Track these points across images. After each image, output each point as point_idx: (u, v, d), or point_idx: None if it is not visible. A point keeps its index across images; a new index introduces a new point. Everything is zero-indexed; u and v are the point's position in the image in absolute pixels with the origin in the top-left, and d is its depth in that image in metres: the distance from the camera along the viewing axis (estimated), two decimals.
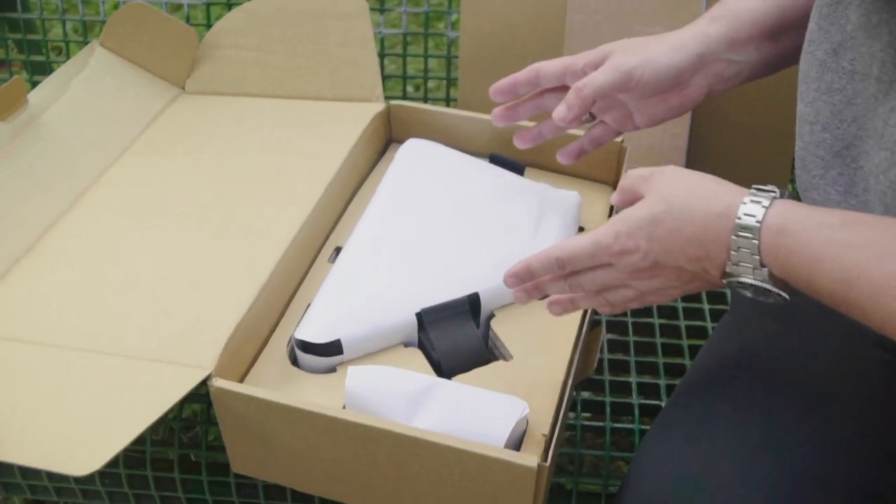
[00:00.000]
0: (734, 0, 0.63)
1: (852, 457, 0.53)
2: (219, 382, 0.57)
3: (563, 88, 0.65)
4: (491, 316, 0.67)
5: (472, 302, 0.66)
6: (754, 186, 0.49)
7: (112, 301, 0.65)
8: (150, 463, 0.75)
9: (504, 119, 0.70)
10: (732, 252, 0.48)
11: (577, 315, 0.66)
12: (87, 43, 0.91)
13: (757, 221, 0.47)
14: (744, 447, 0.53)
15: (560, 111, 0.62)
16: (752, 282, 0.48)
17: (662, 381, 0.74)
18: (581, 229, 0.75)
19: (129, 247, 0.71)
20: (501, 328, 0.66)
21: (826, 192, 0.57)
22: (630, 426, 0.70)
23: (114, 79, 0.88)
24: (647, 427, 0.69)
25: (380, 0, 0.98)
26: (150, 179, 0.79)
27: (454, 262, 0.68)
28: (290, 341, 0.65)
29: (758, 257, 0.47)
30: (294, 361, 0.64)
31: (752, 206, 0.47)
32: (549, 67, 0.65)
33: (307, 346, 0.62)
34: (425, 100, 1.01)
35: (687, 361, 0.76)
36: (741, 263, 0.48)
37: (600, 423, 0.71)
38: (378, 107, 0.83)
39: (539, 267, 0.55)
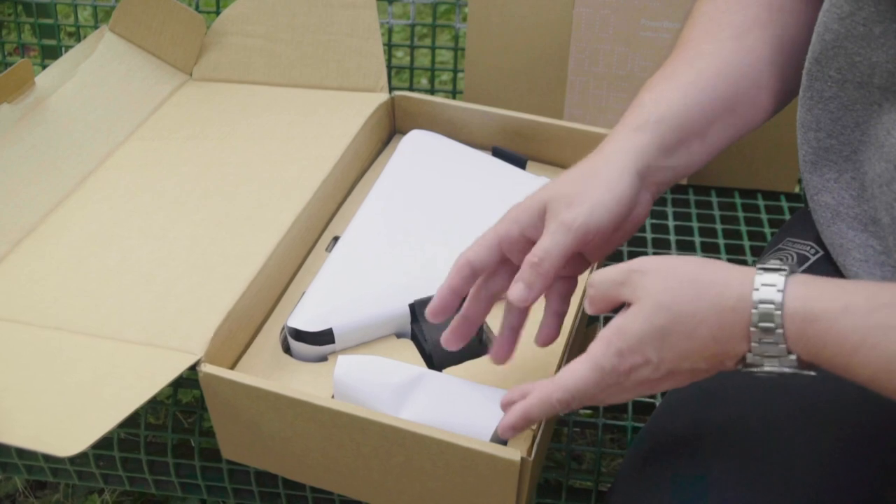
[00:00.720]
0: (651, 103, 0.57)
1: (851, 463, 0.52)
2: (208, 368, 0.57)
3: (504, 263, 0.56)
4: None
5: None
6: (759, 266, 0.45)
7: (108, 285, 0.66)
8: (145, 446, 0.75)
9: (459, 341, 0.57)
10: (754, 344, 0.44)
11: (572, 311, 0.65)
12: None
13: (777, 309, 0.43)
14: (737, 452, 0.52)
15: (518, 293, 0.52)
16: (778, 369, 0.45)
17: None
18: None
19: (128, 231, 0.71)
20: (495, 322, 0.66)
21: (840, 196, 0.56)
22: (623, 423, 0.70)
23: (122, 64, 0.89)
24: (641, 425, 0.69)
25: None
26: (153, 164, 0.79)
27: (450, 254, 0.68)
28: (283, 329, 0.65)
29: (784, 346, 0.44)
30: (287, 349, 0.64)
31: (766, 291, 0.44)
32: (479, 252, 0.56)
33: (299, 335, 0.62)
34: (432, 91, 1.01)
35: None
36: (765, 354, 0.45)
37: (593, 420, 0.71)
38: (382, 97, 0.83)
39: (540, 414, 0.49)
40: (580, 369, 0.48)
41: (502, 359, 0.58)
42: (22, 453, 0.79)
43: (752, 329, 0.44)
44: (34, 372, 0.58)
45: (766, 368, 0.45)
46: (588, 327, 0.71)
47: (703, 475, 0.51)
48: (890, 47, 0.51)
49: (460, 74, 1.00)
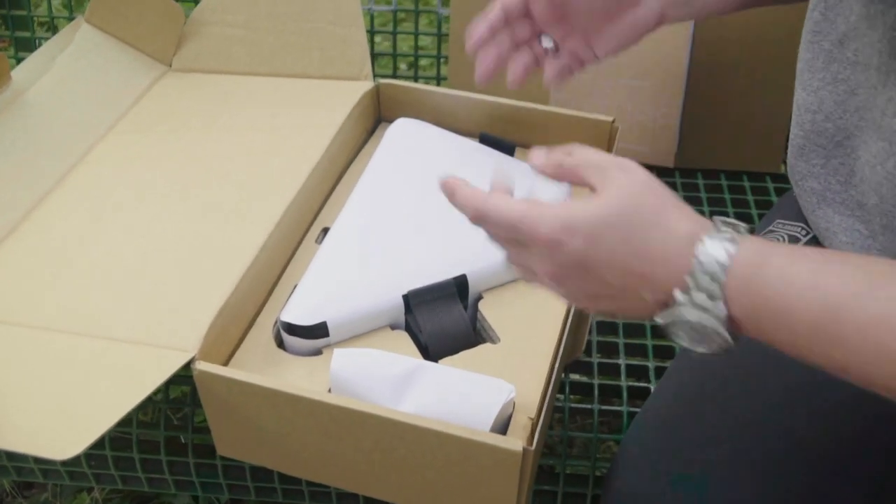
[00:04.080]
0: None
1: (852, 451, 0.52)
2: (202, 366, 0.56)
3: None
4: (479, 298, 0.67)
5: (460, 284, 0.65)
6: (720, 219, 0.43)
7: (95, 282, 0.65)
8: (137, 445, 0.74)
9: (487, 76, 0.65)
10: (687, 277, 0.41)
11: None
12: (74, 19, 0.90)
13: (733, 244, 0.41)
14: (728, 438, 0.53)
15: (492, 11, 0.62)
16: (698, 318, 0.42)
17: (651, 364, 0.73)
18: None
19: (113, 227, 0.70)
20: (489, 311, 0.65)
21: (827, 182, 0.56)
22: (619, 408, 0.70)
23: (99, 56, 0.87)
24: (636, 409, 0.69)
25: None
26: (136, 158, 0.78)
27: (442, 243, 0.68)
28: (275, 323, 0.64)
29: (717, 286, 0.41)
30: (280, 344, 0.63)
31: (727, 231, 0.42)
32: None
33: (293, 329, 0.62)
34: (416, 78, 1.00)
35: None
36: (693, 291, 0.41)
37: (588, 406, 0.71)
38: (367, 85, 0.82)
39: (461, 201, 0.49)
40: (513, 203, 0.46)
41: (482, 77, 0.64)
42: (11, 455, 0.78)
43: (693, 260, 0.41)
44: (24, 374, 0.57)
45: (688, 317, 0.42)
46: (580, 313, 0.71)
47: (690, 461, 0.52)
48: (879, 26, 0.51)
49: (442, 60, 0.99)
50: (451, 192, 0.49)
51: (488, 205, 0.47)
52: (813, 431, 0.53)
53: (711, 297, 0.41)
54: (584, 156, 0.47)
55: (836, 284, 0.39)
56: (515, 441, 0.52)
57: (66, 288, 0.64)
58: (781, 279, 0.40)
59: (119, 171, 0.76)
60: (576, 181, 0.47)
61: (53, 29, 1.06)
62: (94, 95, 0.84)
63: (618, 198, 0.44)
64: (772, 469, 0.51)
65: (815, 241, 0.60)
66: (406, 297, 0.64)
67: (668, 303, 0.43)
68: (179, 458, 0.74)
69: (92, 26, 0.88)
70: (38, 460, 0.78)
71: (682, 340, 0.44)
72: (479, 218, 0.48)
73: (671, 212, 0.43)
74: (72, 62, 0.85)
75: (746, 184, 0.92)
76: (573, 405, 0.71)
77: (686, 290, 0.42)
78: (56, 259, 0.67)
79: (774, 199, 0.90)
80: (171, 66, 0.90)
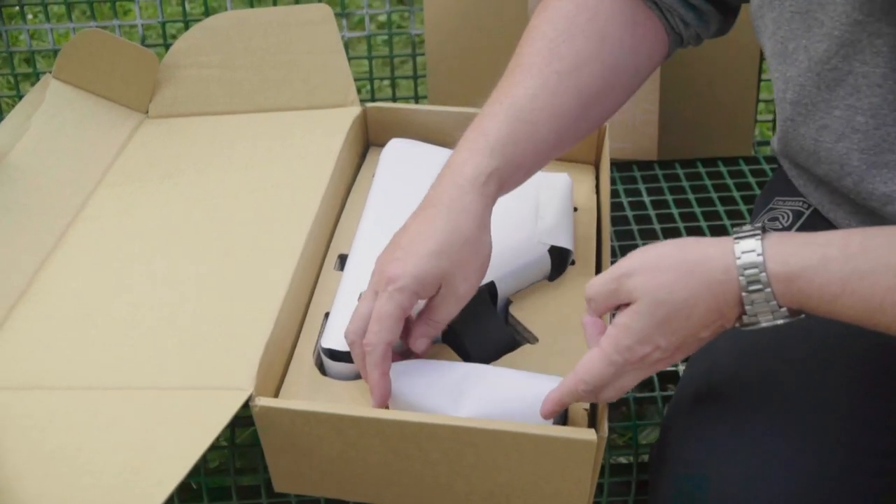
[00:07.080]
0: (496, 143, 0.62)
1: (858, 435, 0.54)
2: (263, 401, 0.56)
3: None
4: (508, 302, 0.68)
5: (490, 291, 0.66)
6: (735, 235, 0.49)
7: (125, 335, 0.63)
8: (176, 493, 0.73)
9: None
10: (748, 306, 0.49)
11: None
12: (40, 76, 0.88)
13: (761, 271, 0.48)
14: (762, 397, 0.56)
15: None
16: (772, 322, 0.49)
17: None
18: (574, 209, 0.76)
19: (129, 278, 0.69)
20: (520, 313, 0.67)
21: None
22: (652, 394, 0.72)
23: (73, 111, 0.85)
24: (669, 393, 0.71)
25: (341, 4, 0.98)
26: (135, 209, 0.77)
27: None
28: (315, 352, 0.64)
29: (774, 302, 0.48)
30: (322, 371, 0.63)
31: (748, 257, 0.48)
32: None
33: (337, 354, 0.62)
34: (394, 99, 1.01)
35: None
36: (759, 314, 0.49)
37: (624, 395, 0.72)
38: (355, 111, 0.83)
39: (570, 398, 0.54)
40: (596, 365, 0.52)
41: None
42: None
43: (744, 294, 0.48)
44: (79, 434, 0.55)
45: (763, 325, 0.49)
46: None
47: (705, 474, 0.54)
48: (801, 62, 0.56)
49: (418, 79, 1.00)
50: (559, 405, 0.55)
51: (588, 382, 0.52)
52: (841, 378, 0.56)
53: (772, 309, 0.48)
54: (595, 292, 0.53)
55: (865, 285, 0.46)
56: (589, 431, 0.53)
57: (94, 345, 0.63)
58: (816, 290, 0.47)
59: (120, 224, 0.75)
60: (613, 309, 0.53)
61: (17, 87, 1.03)
62: (76, 151, 0.82)
63: (651, 300, 0.50)
64: (808, 427, 0.54)
65: (817, 213, 0.64)
66: None
67: (741, 320, 0.50)
68: None
69: (61, 82, 0.86)
70: None
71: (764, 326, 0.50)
72: (590, 391, 0.53)
73: (694, 271, 0.49)
74: (47, 120, 0.83)
75: (723, 168, 0.96)
76: None
77: (753, 314, 0.49)
78: (76, 317, 0.66)
79: (752, 180, 0.94)
80: (147, 113, 0.89)
